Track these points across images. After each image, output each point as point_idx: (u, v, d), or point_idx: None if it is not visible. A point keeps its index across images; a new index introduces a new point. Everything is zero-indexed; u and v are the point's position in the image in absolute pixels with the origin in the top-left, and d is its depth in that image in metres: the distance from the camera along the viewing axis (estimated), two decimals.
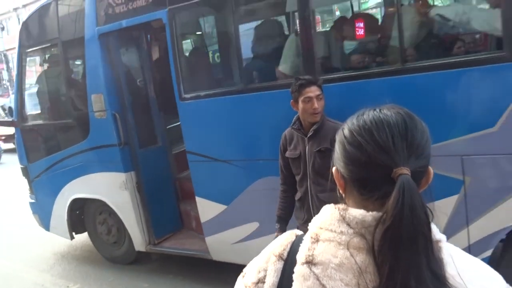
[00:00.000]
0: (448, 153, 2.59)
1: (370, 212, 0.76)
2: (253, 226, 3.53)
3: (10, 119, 5.37)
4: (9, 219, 6.96)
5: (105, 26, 3.96)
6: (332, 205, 0.83)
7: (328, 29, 3.76)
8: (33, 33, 4.71)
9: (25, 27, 4.76)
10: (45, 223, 5.21)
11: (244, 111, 3.34)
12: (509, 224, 2.58)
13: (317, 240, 0.80)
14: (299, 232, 0.90)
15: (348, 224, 0.77)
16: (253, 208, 3.46)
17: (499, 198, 2.55)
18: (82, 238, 5.27)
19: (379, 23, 3.23)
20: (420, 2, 3.02)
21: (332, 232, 0.78)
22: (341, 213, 0.79)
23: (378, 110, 0.82)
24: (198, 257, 4.11)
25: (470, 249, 2.72)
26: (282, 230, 2.74)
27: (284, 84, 3.01)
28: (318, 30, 3.28)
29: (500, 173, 2.54)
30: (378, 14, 3.51)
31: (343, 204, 0.82)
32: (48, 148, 4.86)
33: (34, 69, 5.07)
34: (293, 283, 0.79)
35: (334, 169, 0.86)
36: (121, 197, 4.32)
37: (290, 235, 0.90)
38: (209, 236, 3.86)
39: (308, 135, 2.59)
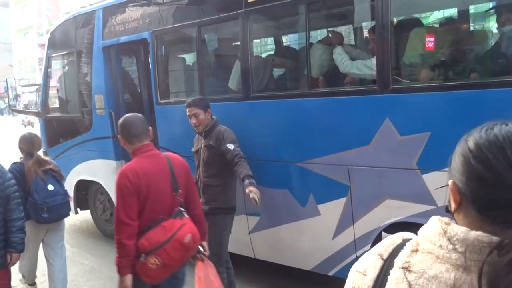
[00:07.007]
0: (338, 162, 3.25)
1: (479, 232, 0.74)
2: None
3: (36, 110, 6.43)
4: None
5: (108, 41, 4.88)
6: (437, 217, 0.83)
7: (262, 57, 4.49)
8: (57, 41, 5.74)
9: (52, 35, 5.80)
10: None
11: None
12: (383, 223, 3.18)
13: (417, 250, 0.82)
14: (409, 236, 0.91)
15: (449, 239, 0.77)
16: None
17: (375, 202, 3.17)
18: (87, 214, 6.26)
19: (297, 56, 3.93)
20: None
21: (432, 244, 0.79)
22: (443, 226, 0.79)
23: (511, 125, 0.77)
24: None
25: (356, 243, 3.35)
26: None
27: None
28: (255, 56, 4.01)
29: (375, 181, 3.15)
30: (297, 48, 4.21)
31: (447, 218, 0.81)
32: (63, 136, 5.87)
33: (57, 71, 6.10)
34: (387, 284, 0.82)
35: (450, 182, 0.82)
36: (112, 181, 5.16)
37: (397, 238, 0.91)
38: None
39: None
